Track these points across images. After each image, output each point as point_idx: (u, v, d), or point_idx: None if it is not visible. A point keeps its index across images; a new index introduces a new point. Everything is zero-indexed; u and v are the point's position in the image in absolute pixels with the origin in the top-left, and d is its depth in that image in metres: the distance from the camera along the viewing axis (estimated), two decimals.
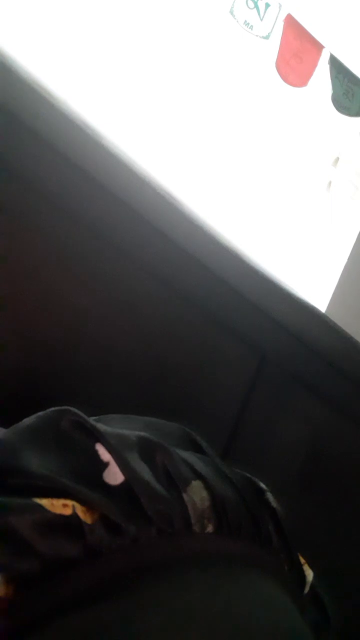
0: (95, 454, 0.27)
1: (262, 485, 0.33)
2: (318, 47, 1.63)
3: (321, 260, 1.97)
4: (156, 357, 0.49)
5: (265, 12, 1.56)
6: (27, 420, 0.30)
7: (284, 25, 1.58)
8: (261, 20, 1.56)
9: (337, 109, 1.64)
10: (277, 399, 0.56)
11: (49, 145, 0.40)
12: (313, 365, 0.56)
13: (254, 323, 0.52)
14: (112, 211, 0.43)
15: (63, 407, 0.30)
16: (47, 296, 0.43)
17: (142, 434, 0.30)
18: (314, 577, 0.33)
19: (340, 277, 1.29)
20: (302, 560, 0.33)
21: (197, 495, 0.28)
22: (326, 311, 1.21)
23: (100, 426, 0.29)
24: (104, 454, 0.27)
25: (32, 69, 0.39)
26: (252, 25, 1.55)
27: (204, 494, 0.28)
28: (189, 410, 0.52)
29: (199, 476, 0.29)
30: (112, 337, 0.47)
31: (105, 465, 0.27)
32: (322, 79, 1.63)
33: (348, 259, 1.30)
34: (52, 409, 0.30)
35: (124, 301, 0.47)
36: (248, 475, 0.33)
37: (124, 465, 0.27)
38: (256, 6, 1.55)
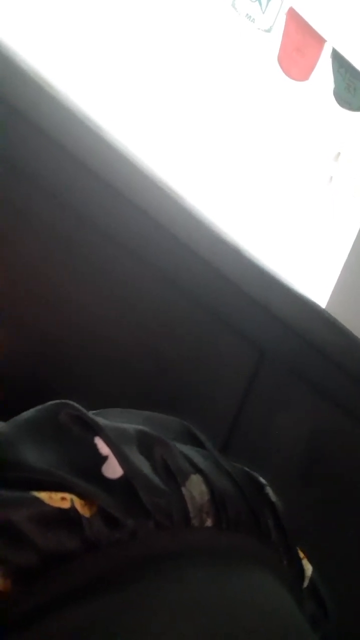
0: (94, 447, 0.27)
1: (262, 479, 0.33)
2: (320, 41, 1.62)
3: (322, 255, 1.96)
4: (156, 352, 0.49)
5: (267, 5, 1.55)
6: (26, 414, 0.30)
7: (286, 18, 1.57)
8: (263, 13, 1.55)
9: (339, 103, 1.63)
10: (276, 394, 0.56)
11: (52, 141, 0.40)
12: (312, 360, 0.56)
13: (254, 318, 0.52)
14: (113, 207, 0.43)
15: (62, 401, 0.29)
16: (47, 292, 0.43)
17: (141, 427, 0.30)
18: (313, 571, 0.33)
19: (341, 273, 1.29)
20: (302, 555, 0.33)
21: (196, 489, 0.28)
22: (326, 307, 1.21)
23: (99, 420, 0.28)
24: (102, 447, 0.27)
25: (34, 61, 0.39)
26: (254, 18, 1.54)
27: (203, 488, 0.28)
28: (188, 405, 0.52)
29: (198, 470, 0.29)
30: (112, 333, 0.47)
31: (104, 458, 0.27)
32: (324, 73, 1.62)
33: (349, 255, 1.29)
34: (51, 402, 0.30)
35: (123, 297, 0.47)
36: (247, 469, 0.33)
37: (123, 459, 0.27)
38: None
